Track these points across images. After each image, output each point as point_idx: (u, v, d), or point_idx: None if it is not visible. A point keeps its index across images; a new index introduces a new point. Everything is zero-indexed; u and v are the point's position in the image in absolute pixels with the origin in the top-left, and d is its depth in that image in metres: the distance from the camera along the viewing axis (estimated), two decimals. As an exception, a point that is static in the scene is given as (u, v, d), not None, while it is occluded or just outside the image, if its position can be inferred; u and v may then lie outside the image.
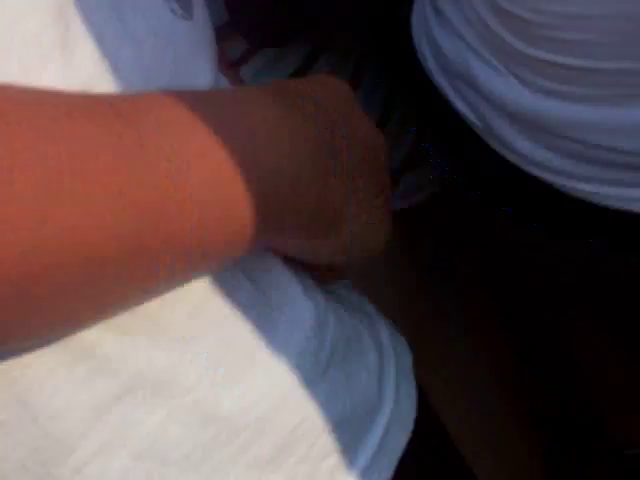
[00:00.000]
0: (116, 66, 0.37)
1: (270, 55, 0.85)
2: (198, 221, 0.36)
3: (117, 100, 0.35)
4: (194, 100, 0.38)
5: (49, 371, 0.38)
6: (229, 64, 0.85)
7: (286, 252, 0.45)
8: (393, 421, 0.49)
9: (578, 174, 0.64)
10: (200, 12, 0.42)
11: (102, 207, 0.32)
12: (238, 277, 0.43)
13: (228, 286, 0.43)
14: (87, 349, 0.38)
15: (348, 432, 0.46)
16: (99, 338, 0.38)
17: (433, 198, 0.95)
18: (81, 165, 0.32)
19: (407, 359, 0.53)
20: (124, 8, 0.38)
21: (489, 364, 0.98)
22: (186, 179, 0.35)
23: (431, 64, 0.71)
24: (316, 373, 0.45)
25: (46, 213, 0.31)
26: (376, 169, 0.47)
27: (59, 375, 0.38)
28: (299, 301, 0.46)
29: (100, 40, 0.37)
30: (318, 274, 0.49)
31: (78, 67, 0.36)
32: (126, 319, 0.39)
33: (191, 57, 0.41)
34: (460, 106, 0.70)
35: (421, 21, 0.72)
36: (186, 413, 0.41)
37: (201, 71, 0.43)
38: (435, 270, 0.99)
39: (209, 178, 0.36)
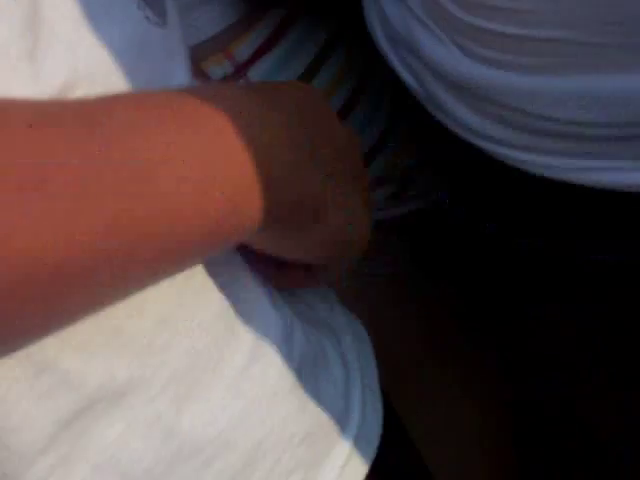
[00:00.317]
0: (90, 75, 0.37)
1: (280, 55, 0.84)
2: (171, 219, 0.35)
3: (81, 105, 0.35)
4: (162, 98, 0.37)
5: (10, 384, 0.37)
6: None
7: (264, 249, 0.44)
8: (360, 437, 0.48)
9: (516, 143, 0.64)
10: (173, 18, 0.42)
11: (67, 219, 0.31)
12: (207, 287, 0.43)
13: (197, 297, 0.42)
14: (48, 363, 0.38)
15: (315, 447, 0.45)
16: (61, 352, 0.38)
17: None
18: (44, 177, 0.31)
19: (372, 372, 0.53)
20: (98, 17, 0.37)
21: (463, 379, 0.97)
22: (156, 179, 0.34)
23: (379, 33, 0.71)
24: (283, 387, 0.44)
25: (10, 230, 0.30)
26: (353, 167, 0.46)
27: (20, 388, 0.37)
28: (267, 313, 0.45)
29: (72, 49, 0.36)
30: (293, 278, 0.49)
31: (48, 77, 0.35)
32: (90, 330, 0.38)
33: (166, 63, 0.41)
34: (405, 76, 0.70)
35: None
36: (146, 426, 0.40)
37: (176, 77, 0.42)
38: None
39: (180, 175, 0.35)
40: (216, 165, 0.37)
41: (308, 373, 0.46)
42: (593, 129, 0.61)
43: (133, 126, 0.34)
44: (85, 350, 0.38)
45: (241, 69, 0.83)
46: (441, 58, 0.65)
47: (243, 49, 0.83)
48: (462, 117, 0.66)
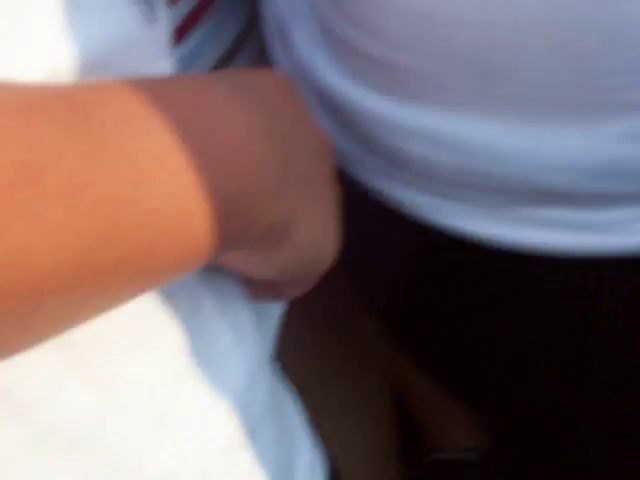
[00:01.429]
0: (73, 70, 0.32)
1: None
2: (156, 235, 0.30)
3: (76, 93, 0.30)
4: (154, 90, 0.33)
5: None
6: None
7: (227, 265, 0.40)
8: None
9: (372, 167, 0.60)
10: (162, 11, 0.37)
11: (60, 226, 0.27)
12: (165, 323, 0.39)
13: (153, 334, 0.38)
14: (6, 389, 0.33)
15: None
16: (23, 377, 0.33)
17: None
18: (36, 175, 0.26)
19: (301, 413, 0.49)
20: (85, 7, 0.33)
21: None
22: (146, 187, 0.30)
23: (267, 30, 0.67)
24: (237, 442, 0.41)
25: None
26: (326, 176, 0.42)
27: None
28: (227, 355, 0.41)
29: (58, 39, 0.32)
30: (253, 293, 0.44)
31: (32, 66, 0.31)
32: (55, 356, 0.34)
33: (150, 60, 0.37)
34: None
35: None
36: (103, 475, 0.36)
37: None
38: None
39: (169, 185, 0.31)
40: (203, 175, 0.32)
41: (276, 410, 0.43)
42: (438, 169, 0.57)
43: (127, 123, 0.30)
44: (49, 376, 0.34)
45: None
46: (309, 58, 0.61)
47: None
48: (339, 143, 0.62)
